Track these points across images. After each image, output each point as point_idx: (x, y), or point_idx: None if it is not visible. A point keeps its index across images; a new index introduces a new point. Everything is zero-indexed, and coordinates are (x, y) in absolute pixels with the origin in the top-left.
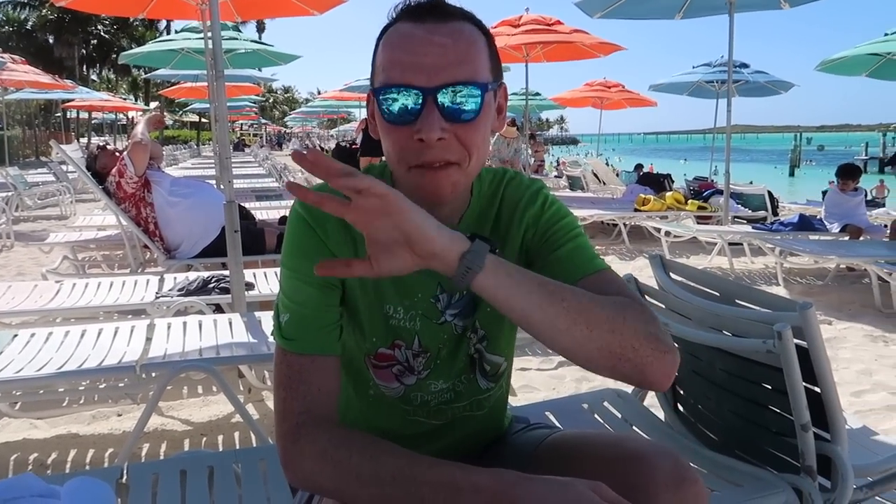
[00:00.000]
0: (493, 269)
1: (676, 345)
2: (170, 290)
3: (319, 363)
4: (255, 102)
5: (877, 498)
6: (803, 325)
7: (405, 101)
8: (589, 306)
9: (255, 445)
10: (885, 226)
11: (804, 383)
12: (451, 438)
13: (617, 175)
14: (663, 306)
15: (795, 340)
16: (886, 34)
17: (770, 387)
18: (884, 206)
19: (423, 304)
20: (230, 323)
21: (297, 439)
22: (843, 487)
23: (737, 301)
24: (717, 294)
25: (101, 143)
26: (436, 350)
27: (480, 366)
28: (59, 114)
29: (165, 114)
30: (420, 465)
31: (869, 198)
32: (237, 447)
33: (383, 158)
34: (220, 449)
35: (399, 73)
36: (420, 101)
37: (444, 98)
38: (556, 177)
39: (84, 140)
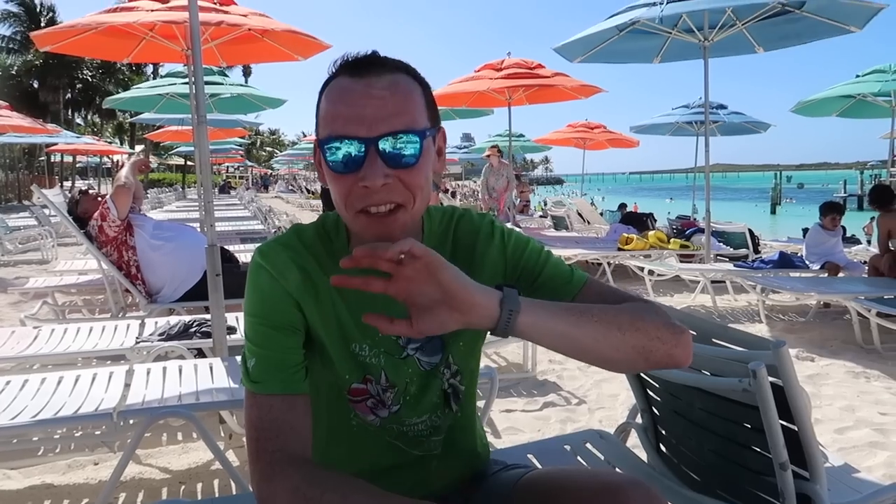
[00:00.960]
0: (528, 306)
1: (657, 384)
2: (150, 334)
3: (288, 402)
4: (240, 145)
5: None
6: (777, 364)
7: (348, 150)
8: (613, 313)
9: (234, 493)
10: (864, 262)
11: (781, 421)
12: (431, 471)
13: (601, 214)
14: None
15: (771, 378)
16: (858, 76)
17: (748, 425)
18: (861, 242)
19: (385, 341)
20: (211, 368)
21: (271, 478)
22: None
23: (713, 340)
24: (694, 333)
25: (82, 188)
26: (403, 385)
27: (455, 397)
28: (43, 157)
29: (151, 157)
30: (391, 502)
31: (854, 234)
32: (216, 495)
33: None
34: (199, 497)
35: (341, 125)
36: (362, 150)
37: (384, 146)
38: (540, 216)
39: (68, 184)
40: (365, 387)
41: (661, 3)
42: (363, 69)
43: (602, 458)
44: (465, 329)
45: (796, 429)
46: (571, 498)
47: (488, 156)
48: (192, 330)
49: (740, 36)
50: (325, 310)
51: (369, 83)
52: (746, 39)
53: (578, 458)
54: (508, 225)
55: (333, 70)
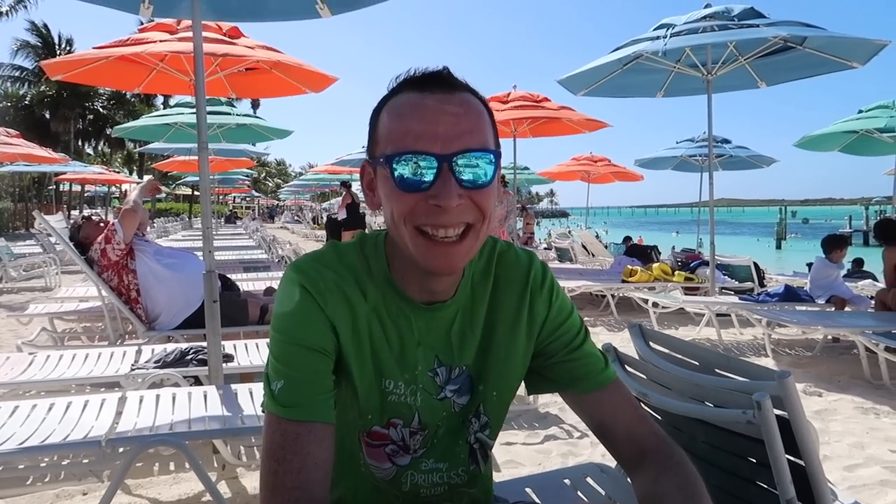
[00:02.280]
0: None
1: (659, 416)
2: (146, 361)
3: (317, 432)
4: (247, 176)
5: None
6: (783, 395)
7: (419, 168)
8: None
9: None
10: (871, 297)
11: (787, 456)
12: None
13: (605, 247)
14: (644, 376)
15: (776, 411)
16: (860, 111)
17: (753, 460)
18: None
19: (423, 378)
20: (205, 395)
21: None
22: None
23: (716, 370)
24: (696, 363)
25: (85, 214)
26: (434, 428)
27: (483, 453)
28: (51, 187)
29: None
30: None
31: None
32: None
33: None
34: None
35: (412, 140)
36: (435, 167)
37: (459, 165)
38: (545, 248)
39: (76, 212)
40: (386, 431)
41: (664, 38)
42: (433, 85)
43: (602, 492)
44: (501, 377)
45: (803, 464)
46: None
47: None
48: (189, 357)
49: (743, 71)
50: (361, 339)
51: (441, 99)
52: (749, 74)
53: (579, 492)
54: None
55: (396, 85)
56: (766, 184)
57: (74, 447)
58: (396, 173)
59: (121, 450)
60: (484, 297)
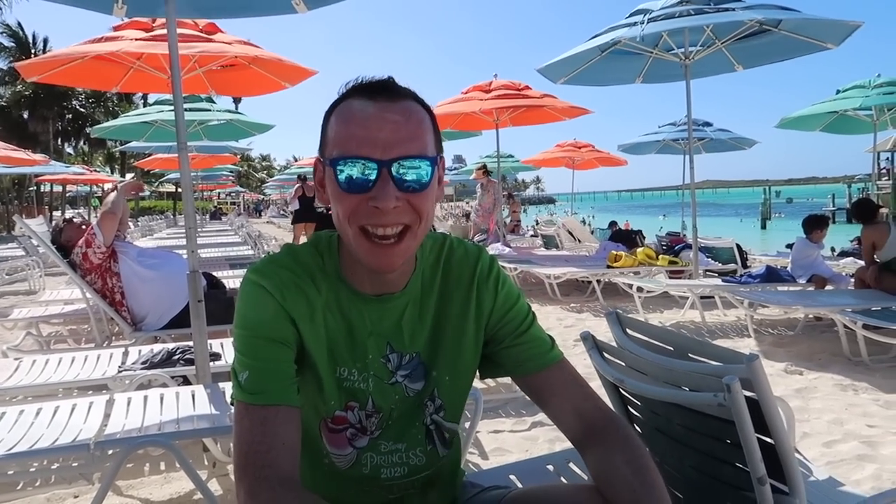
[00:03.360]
0: None
1: (638, 402)
2: (133, 363)
3: (283, 414)
4: (231, 171)
5: None
6: (752, 377)
7: (361, 171)
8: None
9: None
10: (851, 275)
11: (759, 435)
12: None
13: (591, 232)
14: (622, 363)
15: (746, 392)
16: (838, 91)
17: (727, 441)
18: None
19: (374, 365)
20: (193, 395)
21: (257, 493)
22: None
23: (690, 355)
24: (671, 349)
25: (66, 217)
26: (388, 410)
27: (440, 435)
28: (32, 188)
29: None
30: None
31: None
32: None
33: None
34: None
35: (355, 145)
36: (375, 172)
37: (397, 170)
38: (532, 236)
39: (58, 213)
40: (345, 415)
41: (641, 23)
42: (378, 93)
43: (585, 477)
44: (453, 364)
45: (773, 442)
46: None
47: (476, 177)
48: (176, 357)
49: (720, 55)
50: (318, 330)
51: (385, 107)
52: (726, 58)
53: (561, 477)
54: (499, 245)
55: (345, 91)
56: (750, 165)
57: (63, 451)
58: (340, 176)
59: (110, 452)
60: (433, 289)
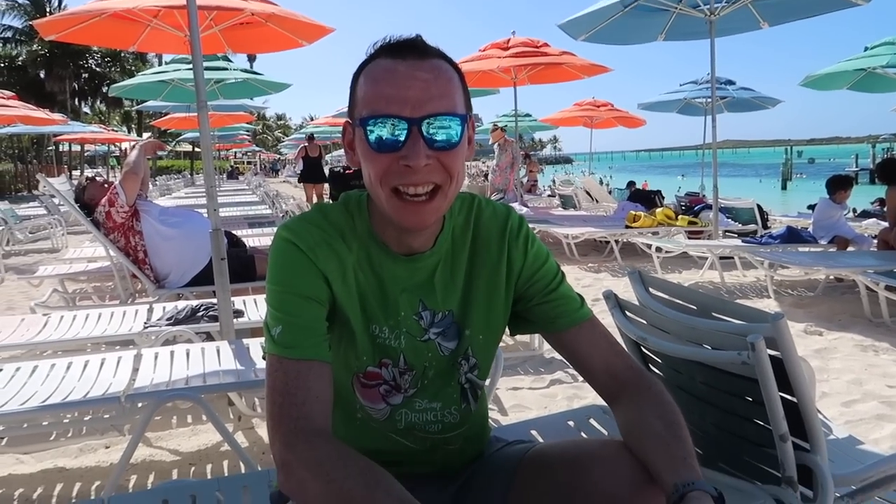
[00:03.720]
0: None
1: (659, 359)
2: (158, 319)
3: (316, 369)
4: (247, 130)
5: None
6: (776, 336)
7: (391, 130)
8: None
9: (243, 472)
10: (874, 236)
11: (782, 394)
12: (433, 460)
13: (609, 192)
14: (644, 321)
15: (770, 351)
16: (867, 48)
17: (749, 398)
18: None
19: (407, 322)
20: (218, 351)
21: (294, 444)
22: (824, 497)
23: (713, 314)
24: (694, 308)
25: (89, 175)
26: (421, 368)
27: (473, 392)
28: (51, 147)
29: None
30: None
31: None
32: (221, 477)
33: (360, 185)
34: (208, 478)
35: (385, 104)
36: (405, 130)
37: (428, 128)
38: (549, 196)
39: (77, 172)
40: (379, 371)
41: None
42: (406, 52)
43: (606, 432)
44: (485, 322)
45: (795, 400)
46: (576, 466)
47: (494, 139)
48: (200, 314)
49: (746, 11)
50: (350, 288)
51: (413, 65)
52: (752, 14)
53: (582, 433)
54: (516, 205)
55: (373, 51)
56: (772, 125)
57: (95, 403)
58: (371, 135)
59: (140, 404)
60: (464, 248)
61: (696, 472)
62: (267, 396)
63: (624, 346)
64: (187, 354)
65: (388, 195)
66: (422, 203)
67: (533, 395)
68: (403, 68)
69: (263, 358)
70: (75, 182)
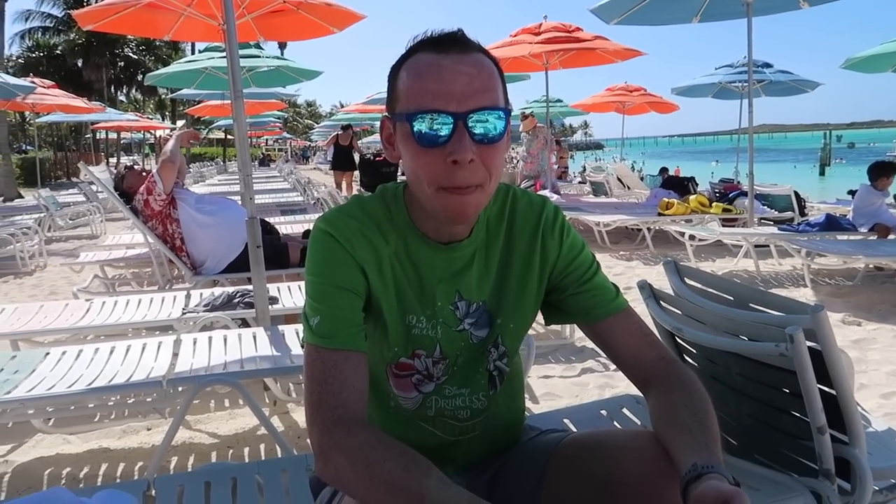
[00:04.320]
0: None
1: (693, 350)
2: (196, 305)
3: (353, 359)
4: (278, 118)
5: None
6: (815, 328)
7: (437, 125)
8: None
9: (279, 457)
10: None
11: (820, 385)
12: (467, 448)
13: (641, 179)
14: (679, 312)
15: (809, 343)
16: None
17: (786, 390)
18: None
19: (443, 312)
20: (254, 337)
21: (332, 431)
22: (862, 490)
23: (751, 305)
24: (731, 298)
25: (128, 164)
26: (454, 357)
27: (501, 379)
28: (88, 135)
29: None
30: (450, 493)
31: None
32: (262, 459)
33: (401, 178)
34: (246, 461)
35: (430, 99)
36: (451, 125)
37: (473, 122)
38: (579, 182)
39: (114, 160)
40: (412, 362)
41: None
42: (448, 46)
43: (638, 422)
44: (516, 311)
45: (834, 392)
46: (608, 456)
47: (525, 128)
48: (236, 301)
49: None
50: (386, 279)
51: (456, 59)
52: None
53: (615, 422)
54: (548, 192)
55: (413, 45)
56: (810, 108)
57: (138, 387)
58: (416, 130)
59: (181, 388)
60: (499, 238)
61: (717, 458)
62: (305, 385)
63: (658, 336)
64: (224, 340)
65: (433, 192)
66: (464, 195)
67: (564, 383)
68: (447, 63)
69: (302, 346)
70: (116, 170)
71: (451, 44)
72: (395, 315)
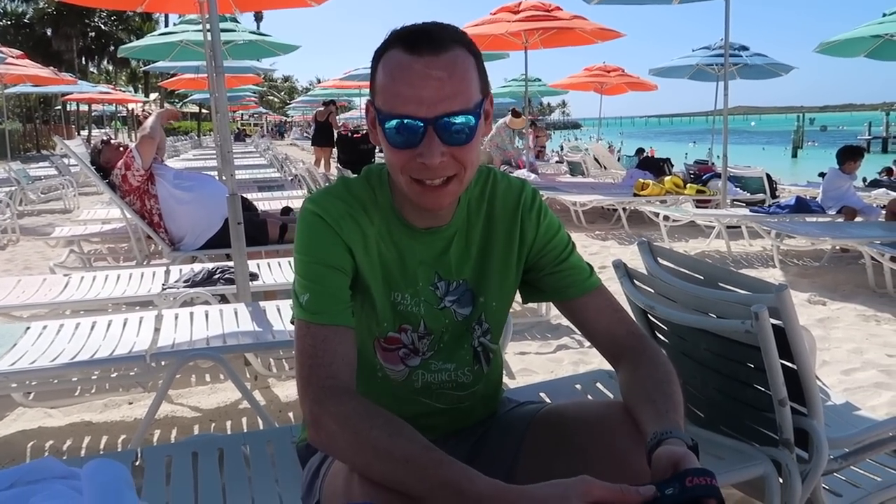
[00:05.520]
0: None
1: (665, 327)
2: (176, 281)
3: (341, 334)
4: (254, 92)
5: (853, 468)
6: (779, 306)
7: (408, 129)
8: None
9: (262, 429)
10: (882, 207)
11: (782, 361)
12: (448, 418)
13: (618, 159)
14: (651, 290)
15: (773, 320)
16: (885, 14)
17: (751, 365)
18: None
19: (424, 291)
20: (236, 312)
21: (323, 400)
22: (818, 458)
23: (719, 284)
24: (701, 278)
25: (104, 138)
26: (439, 333)
27: (485, 355)
28: (58, 107)
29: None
30: (433, 457)
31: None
32: (245, 432)
33: (379, 156)
34: (229, 433)
35: (401, 103)
36: (421, 130)
37: (442, 127)
38: (556, 162)
39: (84, 132)
40: (399, 336)
41: None
42: (422, 45)
43: (611, 396)
44: (499, 290)
45: (795, 367)
46: (583, 426)
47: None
48: (216, 277)
49: None
50: (372, 258)
51: (428, 63)
52: None
53: (588, 396)
54: (525, 172)
55: (390, 37)
56: (784, 91)
57: (122, 361)
58: (388, 132)
59: (164, 363)
60: (479, 220)
61: (676, 424)
62: (296, 358)
63: (631, 313)
64: (206, 316)
65: (407, 181)
66: (439, 187)
67: (540, 359)
68: (419, 66)
69: (292, 322)
70: (92, 144)
71: (425, 43)
72: (382, 292)
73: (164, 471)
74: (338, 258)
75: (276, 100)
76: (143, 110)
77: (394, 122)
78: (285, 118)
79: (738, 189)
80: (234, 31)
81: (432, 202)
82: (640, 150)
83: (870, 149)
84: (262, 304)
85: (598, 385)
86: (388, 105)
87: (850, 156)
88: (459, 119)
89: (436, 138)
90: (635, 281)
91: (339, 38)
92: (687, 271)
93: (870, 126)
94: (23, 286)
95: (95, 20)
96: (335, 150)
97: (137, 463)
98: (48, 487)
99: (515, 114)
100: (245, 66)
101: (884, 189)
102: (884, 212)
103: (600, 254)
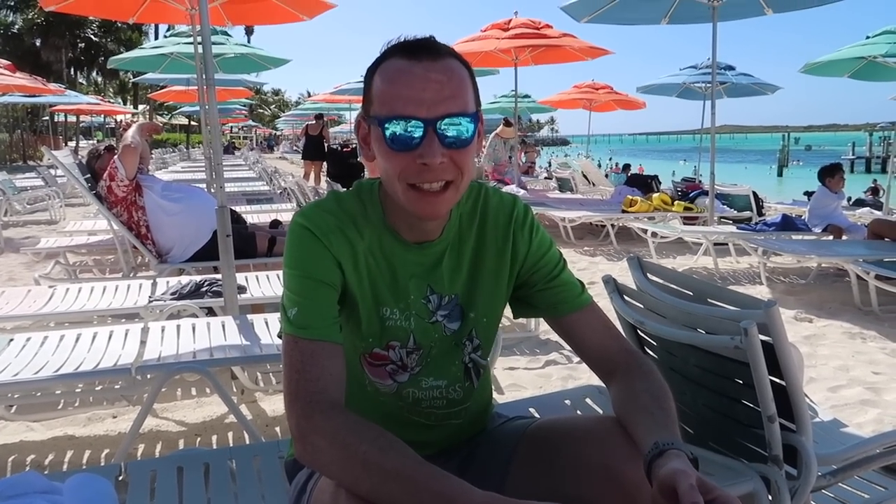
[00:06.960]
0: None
1: (654, 342)
2: (163, 293)
3: (329, 349)
4: (244, 105)
5: (841, 485)
6: (768, 322)
7: (408, 130)
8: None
9: (248, 444)
10: (866, 225)
11: (771, 377)
12: (439, 433)
13: (606, 176)
14: (641, 306)
15: (762, 337)
16: (868, 37)
17: (740, 381)
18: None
19: (416, 305)
20: (223, 326)
21: (311, 416)
22: (807, 475)
23: (709, 300)
24: (691, 294)
25: (109, 144)
26: (428, 347)
27: (476, 371)
28: (46, 117)
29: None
30: (424, 470)
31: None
32: (231, 446)
33: (366, 176)
34: (215, 448)
35: (402, 105)
36: (422, 130)
37: (443, 128)
38: (545, 178)
39: (72, 143)
40: (386, 353)
41: None
42: (420, 52)
43: (601, 411)
44: (489, 305)
45: (784, 384)
46: (574, 440)
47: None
48: (204, 289)
49: None
50: (361, 273)
51: (428, 66)
52: (756, 0)
53: (578, 411)
54: (514, 188)
55: (387, 49)
56: (770, 110)
57: (107, 374)
58: (388, 134)
59: (149, 376)
60: (471, 235)
61: (676, 436)
62: (284, 373)
63: (621, 329)
64: (193, 329)
65: (404, 189)
66: (436, 194)
67: (528, 374)
68: (419, 69)
69: (279, 336)
70: (80, 155)
71: (423, 50)
72: (370, 307)
73: (148, 486)
74: (327, 273)
75: (266, 113)
76: (125, 121)
77: (394, 123)
78: (275, 131)
79: (725, 206)
80: (225, 44)
81: (429, 209)
82: (626, 167)
83: (853, 169)
84: (249, 317)
85: (588, 400)
86: (388, 108)
87: (829, 173)
88: (459, 120)
89: (436, 139)
90: (625, 296)
91: (329, 51)
92: (676, 287)
93: (853, 146)
94: (6, 297)
95: (85, 31)
96: (325, 164)
97: (121, 478)
98: (30, 502)
99: (507, 123)
100: (235, 79)
101: (867, 208)
102: (867, 230)
103: (589, 269)
